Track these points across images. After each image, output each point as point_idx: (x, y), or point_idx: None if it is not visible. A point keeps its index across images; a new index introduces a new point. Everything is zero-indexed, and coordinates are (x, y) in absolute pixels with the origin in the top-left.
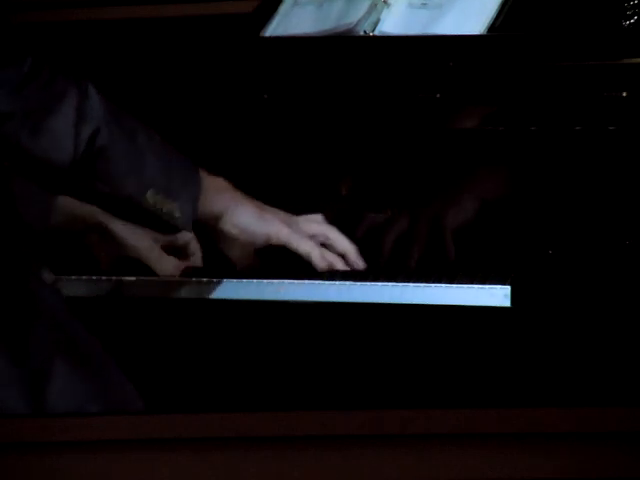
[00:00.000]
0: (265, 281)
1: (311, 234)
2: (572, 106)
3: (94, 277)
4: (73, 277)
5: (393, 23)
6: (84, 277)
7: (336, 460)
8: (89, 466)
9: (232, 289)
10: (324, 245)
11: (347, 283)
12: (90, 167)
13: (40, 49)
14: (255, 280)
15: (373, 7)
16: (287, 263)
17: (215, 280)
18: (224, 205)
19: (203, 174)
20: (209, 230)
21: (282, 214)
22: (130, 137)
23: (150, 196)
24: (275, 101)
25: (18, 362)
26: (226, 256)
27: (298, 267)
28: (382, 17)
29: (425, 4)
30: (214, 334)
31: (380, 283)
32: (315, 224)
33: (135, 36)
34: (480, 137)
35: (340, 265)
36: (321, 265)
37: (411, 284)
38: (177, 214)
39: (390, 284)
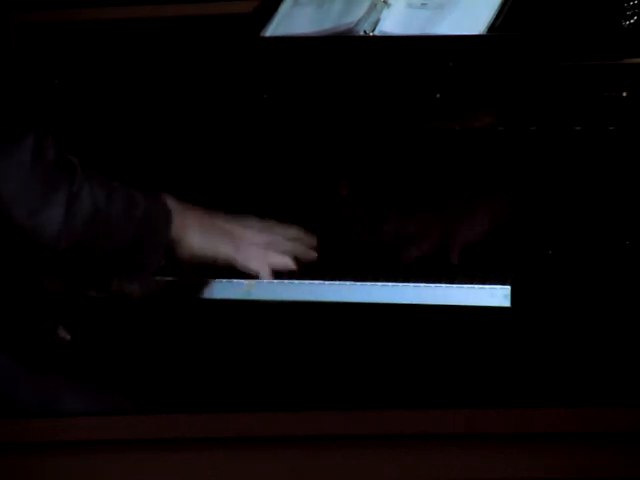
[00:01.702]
0: (265, 281)
1: (256, 243)
2: (572, 106)
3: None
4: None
5: (393, 23)
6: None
7: (336, 460)
8: (89, 466)
9: (232, 289)
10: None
11: (347, 283)
12: (68, 255)
13: (41, 112)
14: (256, 280)
15: (373, 7)
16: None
17: (215, 280)
18: (177, 234)
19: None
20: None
21: (225, 227)
22: (110, 231)
23: (115, 282)
24: (275, 101)
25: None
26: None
27: (298, 268)
28: (382, 17)
29: (425, 4)
30: (214, 334)
31: (380, 283)
32: (258, 234)
33: (135, 36)
34: (480, 137)
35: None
36: (268, 278)
37: (411, 284)
38: (135, 293)
39: (390, 284)
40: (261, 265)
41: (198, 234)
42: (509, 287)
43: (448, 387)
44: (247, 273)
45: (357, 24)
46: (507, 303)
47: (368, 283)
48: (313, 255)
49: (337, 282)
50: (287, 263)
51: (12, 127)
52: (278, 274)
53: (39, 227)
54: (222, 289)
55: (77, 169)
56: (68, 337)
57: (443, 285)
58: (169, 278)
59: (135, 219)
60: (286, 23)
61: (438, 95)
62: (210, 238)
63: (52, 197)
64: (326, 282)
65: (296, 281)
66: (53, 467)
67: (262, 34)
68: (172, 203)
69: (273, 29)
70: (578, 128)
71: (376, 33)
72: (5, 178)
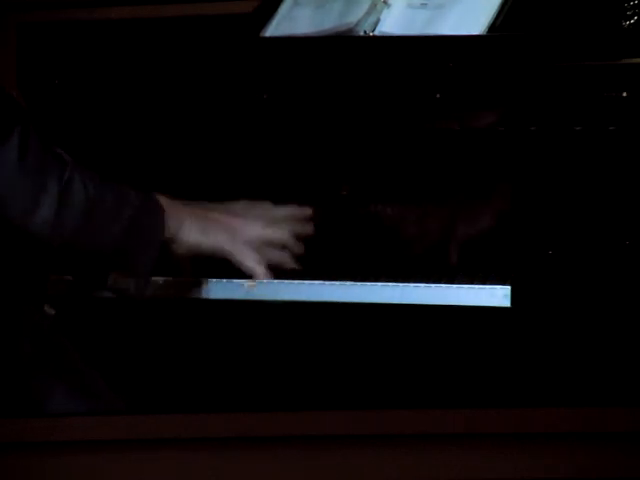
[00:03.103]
0: (265, 281)
1: (252, 239)
2: (572, 106)
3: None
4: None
5: (393, 23)
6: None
7: (336, 460)
8: (88, 466)
9: (232, 289)
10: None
11: (347, 283)
12: (65, 248)
13: (24, 114)
14: (257, 281)
15: (373, 7)
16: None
17: (215, 280)
18: (173, 229)
19: (162, 218)
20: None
21: (220, 220)
22: (104, 223)
23: (111, 279)
24: (275, 101)
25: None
26: (173, 263)
27: (298, 268)
28: (382, 17)
29: (425, 4)
30: (214, 334)
31: (380, 283)
32: (255, 225)
33: (135, 36)
34: (480, 137)
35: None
36: (262, 278)
37: (411, 284)
38: (132, 290)
39: (390, 284)
40: (257, 262)
41: (193, 229)
42: (509, 287)
43: (448, 387)
44: (244, 270)
45: (357, 24)
46: (507, 303)
47: (368, 283)
48: (310, 231)
49: (337, 282)
50: (285, 259)
51: None
52: (278, 273)
53: (33, 224)
54: (223, 289)
55: (66, 161)
56: (53, 312)
57: (443, 285)
58: (169, 278)
59: (128, 212)
60: (286, 23)
61: (438, 95)
62: (206, 232)
63: (43, 192)
64: (326, 282)
65: (296, 281)
66: (52, 467)
67: (262, 34)
68: (165, 200)
69: (273, 29)
70: (578, 128)
71: (376, 33)
72: None
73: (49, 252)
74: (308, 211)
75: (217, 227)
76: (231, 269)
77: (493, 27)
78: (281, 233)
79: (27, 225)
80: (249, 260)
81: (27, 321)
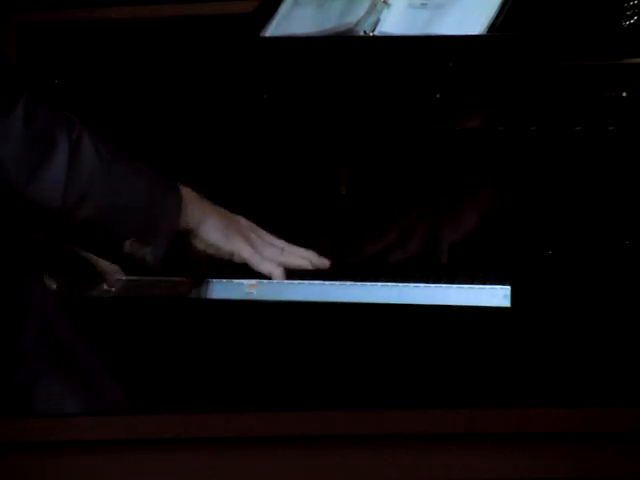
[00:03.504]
0: (265, 281)
1: (271, 243)
2: (572, 106)
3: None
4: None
5: (393, 23)
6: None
7: (336, 460)
8: (89, 466)
9: (232, 289)
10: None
11: (347, 283)
12: (77, 215)
13: (33, 83)
14: (256, 280)
15: (373, 7)
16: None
17: (215, 280)
18: (194, 221)
19: (180, 195)
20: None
21: (244, 226)
22: (118, 184)
23: (127, 245)
24: (275, 101)
25: (5, 372)
26: (183, 259)
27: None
28: (382, 17)
29: (425, 4)
30: (214, 334)
31: (380, 283)
32: (274, 239)
33: (135, 36)
34: (480, 137)
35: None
36: (280, 278)
37: (411, 284)
38: (148, 258)
39: (390, 284)
40: (275, 266)
41: (215, 227)
42: (509, 287)
43: (448, 387)
44: (255, 272)
45: (357, 24)
46: (507, 303)
47: (368, 283)
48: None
49: (337, 282)
50: (303, 264)
51: (2, 94)
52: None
53: (43, 187)
54: (223, 289)
55: (75, 120)
56: (54, 285)
57: (443, 285)
58: (169, 278)
59: (143, 179)
60: (286, 23)
61: (438, 95)
62: (227, 234)
63: (52, 151)
64: (326, 282)
65: (297, 281)
66: (53, 467)
67: (262, 34)
68: (188, 191)
69: (273, 29)
70: (578, 128)
71: (376, 33)
72: (1, 144)
73: (58, 224)
74: (325, 263)
75: (240, 232)
76: (231, 269)
77: (493, 27)
78: (295, 248)
79: (36, 190)
80: (267, 264)
81: (29, 316)
